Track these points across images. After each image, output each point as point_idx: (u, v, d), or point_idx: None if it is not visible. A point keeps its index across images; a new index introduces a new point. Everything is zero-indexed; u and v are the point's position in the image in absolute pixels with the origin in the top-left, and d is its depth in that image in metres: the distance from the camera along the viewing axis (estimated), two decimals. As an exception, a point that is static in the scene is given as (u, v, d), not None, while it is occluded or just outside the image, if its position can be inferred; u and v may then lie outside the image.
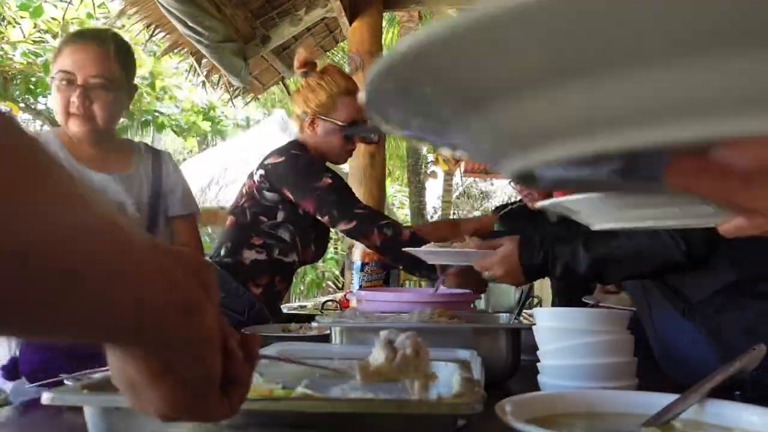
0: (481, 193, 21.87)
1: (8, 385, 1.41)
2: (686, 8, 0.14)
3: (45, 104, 11.56)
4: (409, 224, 9.40)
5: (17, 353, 1.41)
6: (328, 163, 1.78)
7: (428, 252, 1.35)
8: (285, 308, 1.98)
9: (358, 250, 1.87)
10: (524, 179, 0.25)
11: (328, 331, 1.13)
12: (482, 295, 1.84)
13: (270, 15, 4.14)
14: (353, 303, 1.73)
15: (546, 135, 0.19)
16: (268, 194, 1.68)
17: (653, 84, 0.15)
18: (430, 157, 14.30)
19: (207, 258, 1.69)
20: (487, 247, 1.24)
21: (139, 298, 0.34)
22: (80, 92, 1.46)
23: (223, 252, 1.73)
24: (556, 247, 1.15)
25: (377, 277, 1.81)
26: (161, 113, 11.02)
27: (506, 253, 1.20)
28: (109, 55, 1.51)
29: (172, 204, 1.64)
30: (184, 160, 15.10)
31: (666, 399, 0.67)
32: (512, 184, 2.24)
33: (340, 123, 1.71)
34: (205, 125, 12.01)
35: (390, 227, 1.61)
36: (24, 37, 7.95)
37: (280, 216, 1.68)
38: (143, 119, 11.02)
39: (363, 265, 1.82)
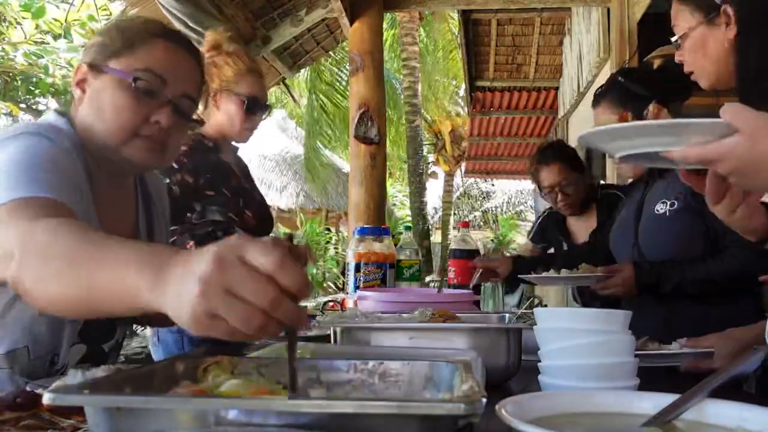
0: (482, 193, 21.88)
1: None
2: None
3: (46, 105, 11.57)
4: (410, 224, 9.40)
5: None
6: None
7: (559, 277, 1.64)
8: None
9: (351, 251, 1.87)
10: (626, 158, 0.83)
11: (329, 332, 1.13)
12: (483, 296, 1.84)
13: (271, 16, 4.15)
14: (353, 303, 1.73)
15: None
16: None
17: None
18: (431, 158, 14.31)
19: None
20: (606, 272, 1.61)
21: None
22: (168, 111, 1.05)
23: None
24: (665, 270, 1.55)
25: (374, 277, 1.81)
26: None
27: (626, 276, 1.56)
28: (201, 72, 1.14)
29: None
30: (185, 160, 15.12)
31: (666, 399, 0.67)
32: (543, 196, 2.51)
33: (242, 96, 1.84)
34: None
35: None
36: (25, 38, 7.96)
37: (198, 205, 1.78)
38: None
39: (358, 265, 1.82)
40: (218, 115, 1.85)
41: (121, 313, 0.67)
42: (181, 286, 0.55)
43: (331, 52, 5.95)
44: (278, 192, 11.31)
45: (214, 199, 1.80)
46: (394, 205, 16.70)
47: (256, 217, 1.88)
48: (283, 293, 0.53)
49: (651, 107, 1.58)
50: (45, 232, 0.77)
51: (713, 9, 1.21)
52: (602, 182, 3.78)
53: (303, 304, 0.56)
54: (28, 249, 0.76)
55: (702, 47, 1.26)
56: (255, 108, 1.86)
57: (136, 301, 0.61)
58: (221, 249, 0.54)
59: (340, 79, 8.76)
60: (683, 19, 1.28)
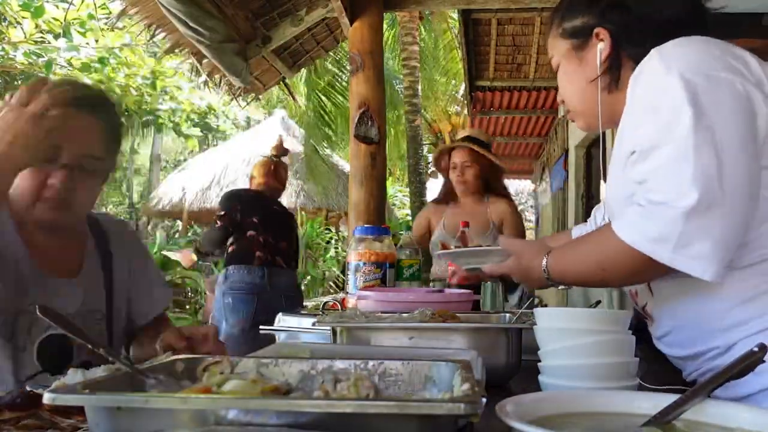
0: (482, 193, 21.90)
1: None
2: None
3: (46, 104, 11.54)
4: (410, 224, 9.40)
5: None
6: None
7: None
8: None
9: (352, 251, 1.87)
10: None
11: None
12: (483, 296, 1.84)
13: (271, 15, 4.14)
14: (353, 303, 1.73)
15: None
16: None
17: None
18: (431, 158, 14.31)
19: None
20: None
21: None
22: (64, 175, 1.15)
23: None
24: None
25: (374, 277, 1.81)
26: (160, 116, 11.03)
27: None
28: (104, 127, 1.22)
29: (136, 313, 1.38)
30: (185, 160, 15.10)
31: (666, 399, 0.67)
32: None
33: None
34: (196, 131, 12.02)
35: None
36: (25, 37, 7.95)
37: None
38: (144, 119, 11.02)
39: (358, 265, 1.82)
40: None
41: None
42: None
43: (330, 52, 5.94)
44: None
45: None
46: (394, 205, 16.70)
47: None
48: None
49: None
50: None
51: (585, 32, 1.07)
52: None
53: None
54: None
55: (572, 80, 1.15)
56: None
57: None
58: None
59: (339, 79, 8.76)
60: (554, 48, 1.17)
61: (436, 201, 3.15)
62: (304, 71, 7.35)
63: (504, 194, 3.02)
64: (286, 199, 11.30)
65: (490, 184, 2.96)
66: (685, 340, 0.98)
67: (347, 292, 1.85)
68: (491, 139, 3.41)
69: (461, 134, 3.18)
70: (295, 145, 11.76)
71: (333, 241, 11.13)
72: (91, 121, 1.19)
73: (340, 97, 8.86)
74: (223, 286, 3.43)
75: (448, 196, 3.04)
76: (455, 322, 1.13)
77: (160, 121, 11.08)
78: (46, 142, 1.00)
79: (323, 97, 8.90)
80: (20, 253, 1.17)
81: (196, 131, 12.07)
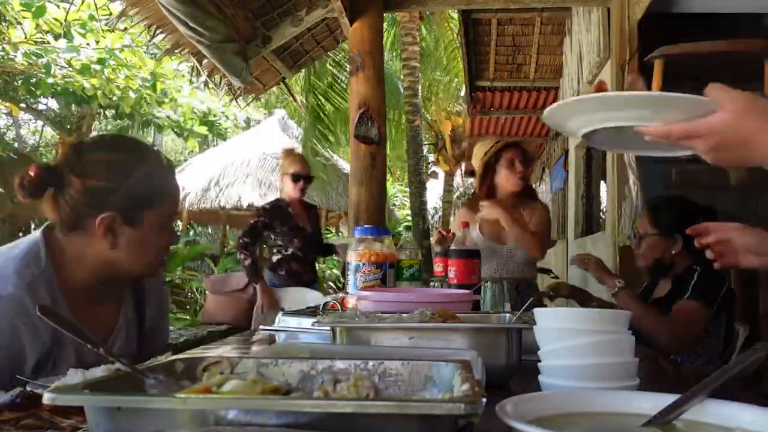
0: (482, 193, 21.88)
1: None
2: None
3: (46, 104, 11.56)
4: (410, 224, 9.41)
5: None
6: None
7: None
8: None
9: (352, 251, 1.87)
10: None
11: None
12: (483, 296, 1.84)
13: (271, 15, 4.15)
14: (353, 303, 1.73)
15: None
16: None
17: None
18: (431, 158, 14.31)
19: None
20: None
21: None
22: (175, 232, 1.35)
23: None
24: None
25: (374, 277, 1.81)
26: (159, 117, 11.02)
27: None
28: None
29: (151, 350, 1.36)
30: (185, 160, 15.11)
31: (666, 399, 0.67)
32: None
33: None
34: (203, 129, 12.01)
35: None
36: (25, 37, 7.95)
37: None
38: (144, 119, 11.02)
39: (358, 265, 1.82)
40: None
41: None
42: None
43: (329, 53, 5.95)
44: (278, 192, 11.28)
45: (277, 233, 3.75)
46: (394, 205, 16.70)
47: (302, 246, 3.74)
48: None
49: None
50: None
51: None
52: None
53: None
54: None
55: None
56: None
57: None
58: None
59: (339, 79, 8.76)
60: None
61: (469, 203, 3.09)
62: (303, 72, 7.35)
63: (538, 201, 2.98)
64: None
65: (527, 189, 2.92)
66: None
67: (347, 292, 1.85)
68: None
69: (511, 138, 3.17)
70: (294, 146, 11.78)
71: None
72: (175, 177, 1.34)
73: (338, 98, 8.87)
74: None
75: (486, 196, 2.90)
76: (455, 322, 1.13)
77: (160, 121, 11.07)
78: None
79: (322, 98, 8.90)
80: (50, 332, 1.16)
81: (203, 129, 12.06)
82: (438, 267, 2.37)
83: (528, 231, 2.76)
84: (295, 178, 3.70)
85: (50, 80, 8.42)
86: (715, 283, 2.13)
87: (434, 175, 15.28)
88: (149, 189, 1.22)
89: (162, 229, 1.25)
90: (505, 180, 2.84)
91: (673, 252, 2.23)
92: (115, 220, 1.18)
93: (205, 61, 4.09)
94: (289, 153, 3.93)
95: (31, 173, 1.15)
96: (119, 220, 1.19)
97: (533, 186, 3.07)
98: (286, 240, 3.73)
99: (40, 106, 11.60)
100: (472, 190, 3.09)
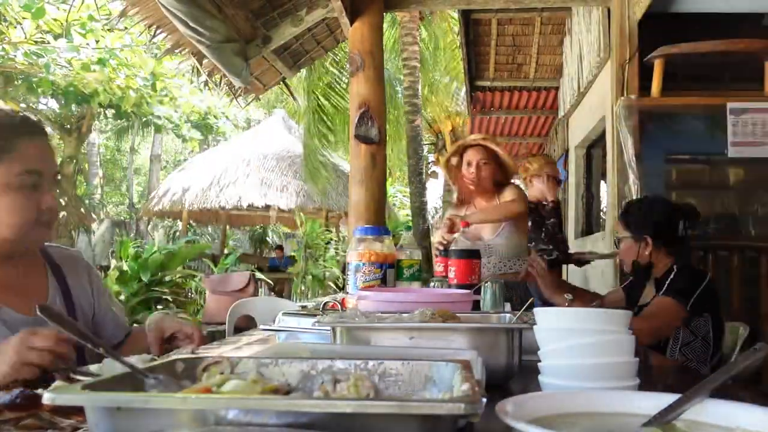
0: (482, 193, 21.87)
1: None
2: None
3: (46, 104, 11.57)
4: (410, 224, 9.40)
5: None
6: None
7: None
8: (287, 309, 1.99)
9: (352, 251, 1.87)
10: None
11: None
12: (483, 296, 1.84)
13: (271, 15, 4.14)
14: (353, 303, 1.73)
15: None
16: None
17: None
18: (431, 158, 14.31)
19: None
20: None
21: None
22: (51, 195, 1.24)
23: None
24: None
25: (374, 277, 1.81)
26: (159, 117, 11.02)
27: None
28: (50, 145, 1.30)
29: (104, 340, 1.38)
30: (185, 160, 15.10)
31: (666, 399, 0.67)
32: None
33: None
34: (196, 134, 12.01)
35: None
36: (25, 37, 7.95)
37: None
38: (144, 120, 11.02)
39: (358, 265, 1.82)
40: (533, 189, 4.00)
41: None
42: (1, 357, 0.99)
43: (329, 53, 5.95)
44: (278, 192, 11.30)
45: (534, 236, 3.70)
46: (394, 205, 16.70)
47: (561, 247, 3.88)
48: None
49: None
50: None
51: None
52: None
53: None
54: None
55: None
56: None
57: None
58: (18, 337, 1.01)
59: (338, 80, 8.76)
60: None
61: (454, 205, 3.20)
62: (303, 72, 7.35)
63: (510, 184, 3.06)
64: (287, 199, 11.33)
65: (501, 184, 3.00)
66: None
67: (347, 292, 1.85)
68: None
69: (471, 138, 3.19)
70: (294, 146, 11.78)
71: (333, 242, 11.13)
72: (46, 144, 1.26)
73: (337, 98, 8.87)
74: None
75: (463, 199, 3.07)
76: (455, 322, 1.13)
77: (159, 123, 11.07)
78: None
79: (322, 99, 8.90)
80: None
81: (196, 134, 12.06)
82: (438, 267, 2.37)
83: (500, 204, 2.92)
84: (557, 180, 4.09)
85: (51, 78, 8.42)
86: (692, 280, 2.13)
87: (434, 175, 15.28)
88: None
89: (20, 189, 1.17)
90: (468, 181, 2.97)
91: (646, 253, 2.22)
92: None
93: (205, 60, 4.09)
94: (540, 156, 4.31)
95: None
96: None
97: (511, 177, 3.10)
98: (553, 242, 3.85)
99: (40, 106, 11.60)
100: None
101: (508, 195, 2.95)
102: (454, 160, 3.07)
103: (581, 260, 4.18)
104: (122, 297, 6.55)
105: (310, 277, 10.00)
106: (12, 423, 0.74)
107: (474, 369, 0.70)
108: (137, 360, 0.67)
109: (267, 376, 0.73)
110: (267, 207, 11.44)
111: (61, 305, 1.33)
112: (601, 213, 5.81)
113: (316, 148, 9.42)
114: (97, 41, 8.49)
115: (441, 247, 2.54)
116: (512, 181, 3.13)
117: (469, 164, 2.97)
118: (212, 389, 0.66)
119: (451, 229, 2.61)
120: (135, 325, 1.50)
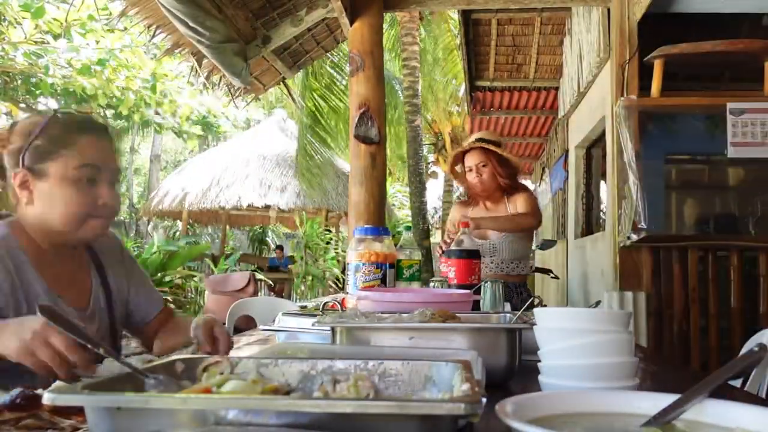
0: (482, 193, 21.85)
1: None
2: None
3: (45, 104, 11.56)
4: (410, 224, 9.40)
5: None
6: None
7: None
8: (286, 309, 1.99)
9: (352, 251, 1.87)
10: None
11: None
12: (483, 296, 1.84)
13: (271, 15, 4.14)
14: (353, 303, 1.73)
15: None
16: None
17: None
18: (431, 158, 14.31)
19: None
20: None
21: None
22: (109, 190, 1.30)
23: None
24: None
25: (374, 277, 1.81)
26: (159, 118, 11.02)
27: None
28: (114, 143, 1.37)
29: (138, 319, 1.48)
30: (185, 160, 15.10)
31: (666, 399, 0.67)
32: None
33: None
34: (197, 128, 12.01)
35: None
36: (25, 37, 7.95)
37: None
38: (144, 120, 11.03)
39: (358, 265, 1.82)
40: None
41: None
42: (19, 331, 0.96)
43: (328, 53, 5.94)
44: (278, 192, 11.31)
45: None
46: (394, 205, 16.70)
47: None
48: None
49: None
50: None
51: None
52: None
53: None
54: None
55: None
56: None
57: None
58: (42, 323, 0.95)
59: (337, 80, 8.76)
60: None
61: (462, 201, 3.22)
62: (301, 73, 7.35)
63: (522, 189, 3.07)
64: (287, 200, 11.34)
65: (507, 184, 3.00)
66: None
67: (347, 292, 1.85)
68: (501, 138, 3.46)
69: (471, 138, 3.20)
70: (294, 146, 11.78)
71: (333, 241, 11.13)
72: (108, 141, 1.32)
73: (336, 99, 8.87)
74: None
75: (472, 198, 3.10)
76: (455, 322, 1.13)
77: (159, 123, 11.07)
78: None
79: (319, 100, 8.90)
80: (40, 290, 1.24)
81: (197, 129, 12.06)
82: (444, 267, 2.34)
83: (511, 215, 2.91)
84: None
85: (50, 80, 8.42)
86: None
87: (434, 175, 15.28)
88: (49, 141, 1.24)
89: (76, 182, 1.24)
90: (472, 185, 2.99)
91: None
92: (26, 176, 1.24)
93: (204, 61, 4.09)
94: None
95: None
96: (29, 175, 1.24)
97: (517, 176, 3.11)
98: None
99: (40, 106, 11.60)
100: None
101: (521, 205, 2.95)
102: (458, 168, 3.09)
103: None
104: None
105: (310, 277, 10.00)
106: (12, 423, 0.74)
107: (474, 369, 0.70)
108: (137, 360, 0.67)
109: (267, 377, 0.73)
110: (267, 207, 11.45)
111: (102, 295, 1.38)
112: (601, 213, 5.81)
113: (309, 148, 9.42)
114: (97, 41, 8.49)
115: (445, 246, 2.54)
116: (521, 181, 3.14)
117: (470, 170, 2.99)
118: (212, 389, 0.66)
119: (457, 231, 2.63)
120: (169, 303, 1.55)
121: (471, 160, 2.99)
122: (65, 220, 1.25)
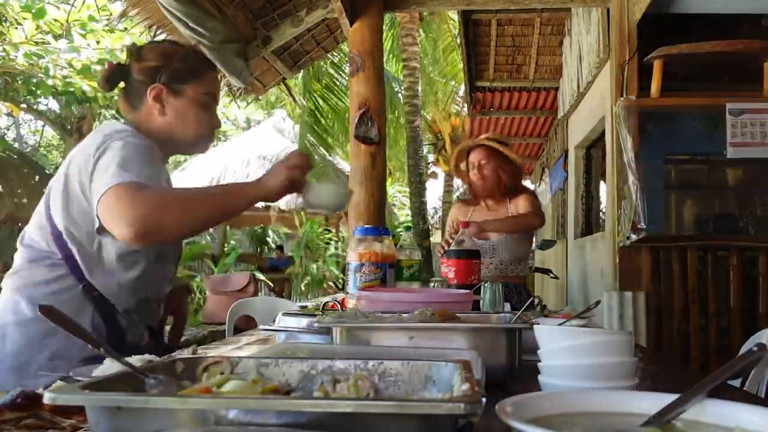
0: (482, 193, 21.83)
1: None
2: None
3: (46, 105, 11.56)
4: (410, 224, 9.41)
5: None
6: None
7: None
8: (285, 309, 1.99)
9: (352, 251, 1.87)
10: None
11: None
12: (483, 296, 1.84)
13: (271, 16, 4.14)
14: (353, 303, 1.73)
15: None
16: None
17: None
18: (431, 158, 14.30)
19: None
20: None
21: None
22: (218, 117, 1.60)
23: None
24: None
25: (374, 277, 1.81)
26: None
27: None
28: None
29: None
30: (185, 160, 15.11)
31: (666, 399, 0.67)
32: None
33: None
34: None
35: None
36: (26, 38, 7.95)
37: None
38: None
39: (359, 265, 1.82)
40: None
41: (243, 208, 1.38)
42: (277, 172, 1.39)
43: (328, 54, 5.95)
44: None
45: None
46: (394, 205, 16.69)
47: None
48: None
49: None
50: (175, 191, 1.46)
51: None
52: None
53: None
54: (167, 202, 1.28)
55: None
56: None
57: (251, 193, 1.38)
58: (281, 163, 1.42)
59: (336, 81, 8.77)
60: None
61: (463, 200, 3.23)
62: (301, 73, 7.35)
63: (524, 190, 3.07)
64: (287, 199, 11.33)
65: (510, 185, 3.00)
66: None
67: (347, 292, 1.85)
68: (508, 139, 3.46)
69: (479, 138, 3.20)
70: (294, 146, 11.77)
71: (333, 242, 11.13)
72: (217, 75, 1.66)
73: (336, 99, 8.87)
74: None
75: (474, 197, 3.10)
76: (455, 322, 1.13)
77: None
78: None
79: (320, 100, 8.90)
80: (164, 180, 1.54)
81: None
82: (444, 267, 2.35)
83: (515, 215, 2.92)
84: None
85: (50, 81, 8.42)
86: None
87: (434, 175, 15.27)
88: (189, 66, 1.51)
89: (205, 106, 1.52)
90: (474, 182, 3.00)
91: None
92: (161, 91, 1.48)
93: (205, 61, 4.09)
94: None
95: (106, 67, 1.51)
96: (165, 90, 1.48)
97: (521, 178, 3.13)
98: None
99: (41, 107, 11.60)
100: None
101: (522, 205, 2.95)
102: (462, 165, 3.10)
103: None
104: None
105: (309, 277, 10.00)
106: (12, 423, 0.74)
107: (474, 369, 0.70)
108: (137, 360, 0.68)
109: (267, 376, 0.73)
110: (267, 207, 11.44)
111: None
112: (601, 213, 5.81)
113: (309, 148, 9.42)
114: (98, 42, 8.49)
115: (447, 246, 2.53)
116: (524, 183, 3.15)
117: (472, 166, 3.00)
118: (212, 389, 0.66)
119: (457, 231, 2.63)
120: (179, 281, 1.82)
121: (474, 156, 3.00)
122: (195, 134, 1.52)
